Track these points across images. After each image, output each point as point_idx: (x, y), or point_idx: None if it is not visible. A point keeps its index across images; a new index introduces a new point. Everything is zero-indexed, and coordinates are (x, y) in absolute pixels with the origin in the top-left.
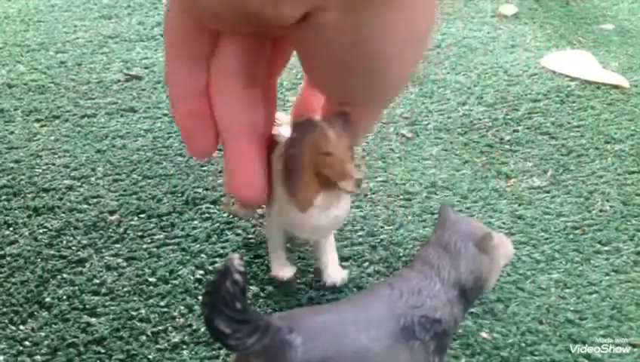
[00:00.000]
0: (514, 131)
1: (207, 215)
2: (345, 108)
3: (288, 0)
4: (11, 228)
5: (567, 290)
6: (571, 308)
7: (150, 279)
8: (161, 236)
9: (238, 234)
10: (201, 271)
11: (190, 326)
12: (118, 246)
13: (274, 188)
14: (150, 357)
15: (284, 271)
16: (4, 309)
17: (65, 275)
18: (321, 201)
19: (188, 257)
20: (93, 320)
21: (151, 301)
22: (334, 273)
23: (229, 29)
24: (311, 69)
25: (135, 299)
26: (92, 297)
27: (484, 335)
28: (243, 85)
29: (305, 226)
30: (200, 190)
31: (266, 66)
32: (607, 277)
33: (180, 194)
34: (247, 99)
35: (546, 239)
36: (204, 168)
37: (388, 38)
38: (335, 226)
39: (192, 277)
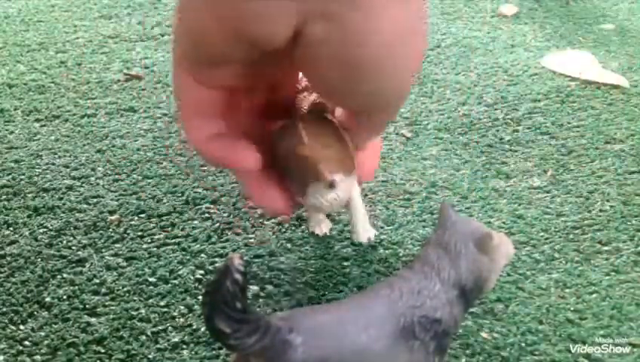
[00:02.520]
0: (514, 131)
1: (207, 215)
2: (317, 102)
3: (278, 16)
4: (11, 228)
5: (567, 290)
6: (571, 308)
7: (150, 279)
8: (161, 236)
9: (238, 234)
10: (201, 271)
11: (190, 326)
12: (118, 246)
13: None
14: (150, 357)
15: (321, 227)
16: (4, 309)
17: (65, 275)
18: (312, 189)
19: (188, 257)
20: (93, 320)
21: (151, 301)
22: (360, 233)
23: (222, 58)
24: (316, 85)
25: (135, 299)
26: (92, 297)
27: (484, 335)
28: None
29: (309, 207)
30: (200, 190)
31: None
32: (607, 277)
33: (179, 194)
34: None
35: (546, 239)
36: (204, 168)
37: (379, 41)
38: (338, 205)
39: (192, 277)
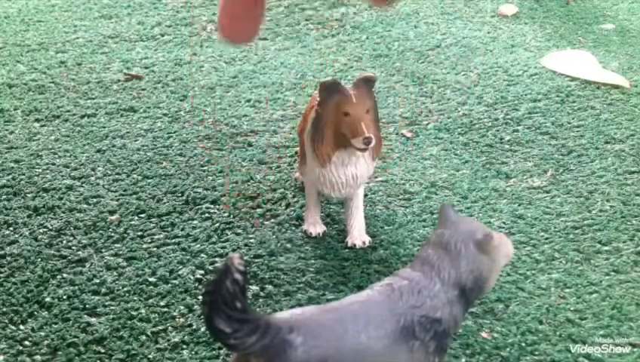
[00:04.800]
0: (514, 131)
1: (207, 215)
2: (370, 74)
3: None
4: (11, 228)
5: (567, 290)
6: (571, 308)
7: (150, 279)
8: (161, 236)
9: (238, 234)
10: (201, 271)
11: (190, 326)
12: (118, 246)
13: (306, 149)
14: (150, 356)
15: (315, 228)
16: (4, 309)
17: (65, 275)
18: (337, 158)
19: (188, 257)
20: (93, 319)
21: (151, 301)
22: (355, 236)
23: None
24: None
25: (135, 298)
26: (92, 297)
27: (484, 335)
28: None
29: (325, 182)
30: (200, 190)
31: None
32: (607, 277)
33: (179, 194)
34: None
35: (546, 239)
36: (204, 168)
37: None
38: (354, 185)
39: (192, 277)
